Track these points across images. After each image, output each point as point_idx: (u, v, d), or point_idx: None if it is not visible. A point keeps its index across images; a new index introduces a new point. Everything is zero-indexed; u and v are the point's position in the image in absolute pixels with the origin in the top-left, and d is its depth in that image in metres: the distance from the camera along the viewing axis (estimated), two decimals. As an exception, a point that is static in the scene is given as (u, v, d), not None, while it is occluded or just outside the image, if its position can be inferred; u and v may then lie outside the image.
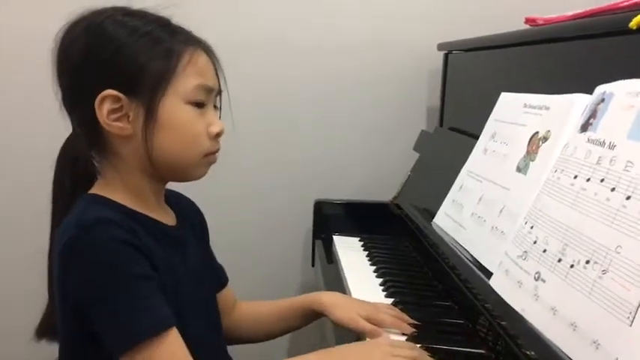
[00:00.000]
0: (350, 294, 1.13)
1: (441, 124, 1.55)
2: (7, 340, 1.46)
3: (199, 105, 0.82)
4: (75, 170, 0.85)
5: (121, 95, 0.78)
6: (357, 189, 1.67)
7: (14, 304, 1.51)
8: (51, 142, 0.87)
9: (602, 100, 0.72)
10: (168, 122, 0.79)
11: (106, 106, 0.78)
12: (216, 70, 0.85)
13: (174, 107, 0.80)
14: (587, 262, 0.63)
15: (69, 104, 0.82)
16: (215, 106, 0.87)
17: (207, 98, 0.83)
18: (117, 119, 0.79)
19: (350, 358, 0.82)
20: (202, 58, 0.82)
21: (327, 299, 0.99)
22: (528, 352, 0.74)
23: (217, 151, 0.86)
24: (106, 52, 0.78)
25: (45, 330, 0.88)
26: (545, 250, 0.72)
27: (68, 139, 0.86)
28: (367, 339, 0.90)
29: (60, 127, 0.85)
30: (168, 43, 0.80)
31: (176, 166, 0.83)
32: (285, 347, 1.65)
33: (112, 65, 0.78)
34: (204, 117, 0.83)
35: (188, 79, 0.80)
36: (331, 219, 1.54)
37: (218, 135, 0.85)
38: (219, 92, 0.87)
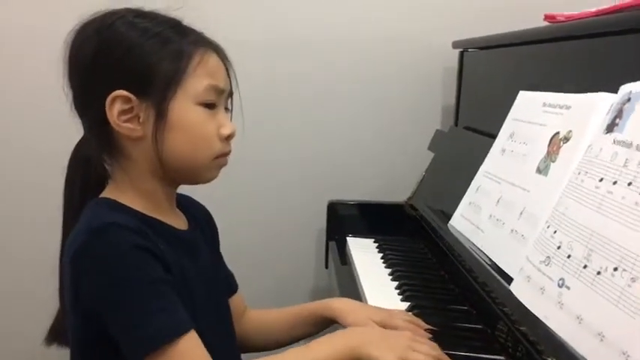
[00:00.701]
0: (364, 297, 1.11)
1: (456, 124, 1.53)
2: (16, 344, 1.46)
3: (210, 106, 0.81)
4: (86, 174, 0.84)
5: (131, 96, 0.77)
6: (371, 189, 1.64)
7: (24, 309, 1.51)
8: (61, 145, 0.86)
9: (629, 100, 0.69)
10: (179, 123, 0.79)
11: (117, 106, 0.77)
12: (227, 71, 0.84)
13: (185, 108, 0.79)
14: (615, 269, 0.61)
15: (80, 106, 0.81)
16: (226, 108, 0.86)
17: (218, 99, 0.82)
18: (127, 120, 0.78)
19: (374, 341, 0.80)
20: (213, 59, 0.82)
21: (339, 305, 0.98)
22: (550, 360, 0.72)
23: (229, 153, 0.84)
24: (117, 52, 0.77)
25: (55, 335, 0.88)
26: (569, 256, 0.69)
27: (80, 142, 0.86)
28: None
29: (71, 130, 0.84)
30: (179, 44, 0.79)
31: (187, 168, 0.82)
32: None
33: (123, 66, 0.77)
34: (215, 118, 0.82)
35: (199, 79, 0.79)
36: (345, 220, 1.52)
37: (229, 137, 0.83)
38: (231, 94, 0.86)
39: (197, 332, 0.75)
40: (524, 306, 0.76)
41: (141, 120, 0.78)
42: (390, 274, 1.21)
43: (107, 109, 0.77)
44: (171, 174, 0.82)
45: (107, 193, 0.83)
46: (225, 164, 0.85)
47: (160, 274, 0.74)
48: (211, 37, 0.84)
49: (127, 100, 0.77)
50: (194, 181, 0.85)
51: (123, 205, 0.80)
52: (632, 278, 0.58)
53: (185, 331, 0.73)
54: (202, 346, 0.74)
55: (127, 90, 0.77)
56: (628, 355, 0.56)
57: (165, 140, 0.78)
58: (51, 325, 0.88)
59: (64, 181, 0.86)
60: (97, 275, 0.72)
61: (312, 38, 1.61)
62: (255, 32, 1.58)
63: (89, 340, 0.76)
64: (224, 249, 1.02)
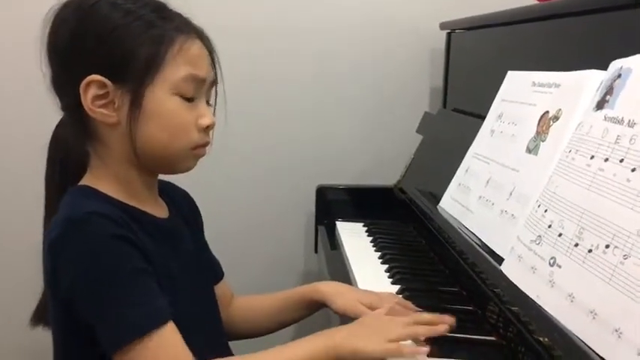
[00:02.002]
0: (355, 281, 1.10)
1: (445, 106, 1.52)
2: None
3: (188, 99, 0.78)
4: (65, 156, 0.83)
5: (107, 81, 0.75)
6: (359, 173, 1.64)
7: (10, 292, 1.49)
8: (42, 130, 0.84)
9: (619, 76, 0.69)
10: (155, 111, 0.76)
11: (91, 91, 0.75)
12: (213, 60, 0.82)
13: (162, 96, 0.77)
14: (607, 246, 0.60)
15: (56, 86, 0.79)
16: (207, 102, 0.83)
17: (199, 89, 0.80)
18: (102, 106, 0.76)
19: (356, 333, 0.79)
20: (195, 47, 0.79)
21: (328, 288, 0.97)
22: (542, 339, 0.72)
23: (207, 144, 0.82)
24: (95, 35, 0.75)
25: (41, 316, 0.87)
26: (560, 235, 0.69)
27: (59, 123, 0.84)
28: None
29: (52, 113, 0.82)
30: (161, 28, 0.77)
31: (162, 157, 0.80)
32: (289, 339, 1.63)
33: (100, 49, 0.75)
34: (194, 108, 0.80)
35: (178, 67, 0.77)
36: (334, 204, 1.51)
37: (208, 128, 0.81)
38: (214, 83, 0.83)
39: (181, 321, 0.74)
40: (515, 286, 0.76)
41: (116, 106, 0.76)
42: (379, 258, 1.21)
43: (81, 93, 0.75)
44: (147, 162, 0.80)
45: (86, 181, 0.81)
46: (203, 155, 0.83)
47: (138, 264, 0.73)
48: (195, 21, 0.81)
49: (102, 85, 0.75)
50: (170, 170, 0.84)
51: (101, 193, 0.79)
52: (625, 255, 0.58)
53: (162, 322, 0.72)
54: (180, 337, 0.73)
55: (103, 74, 0.75)
56: (620, 332, 0.56)
57: (140, 128, 0.76)
58: (36, 307, 0.87)
59: (46, 163, 0.84)
60: (75, 265, 0.71)
61: (299, 23, 1.59)
62: (241, 17, 1.55)
63: (70, 328, 0.75)
64: (212, 235, 1.01)
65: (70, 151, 0.82)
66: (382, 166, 1.60)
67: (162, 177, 0.89)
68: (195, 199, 0.99)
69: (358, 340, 0.77)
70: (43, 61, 0.79)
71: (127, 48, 0.75)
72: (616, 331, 0.56)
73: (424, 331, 0.81)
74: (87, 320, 0.71)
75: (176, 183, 0.95)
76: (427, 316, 0.84)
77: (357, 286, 1.07)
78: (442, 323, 0.82)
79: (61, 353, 0.79)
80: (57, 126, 0.84)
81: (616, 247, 0.59)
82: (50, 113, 0.82)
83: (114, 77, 0.75)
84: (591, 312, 0.60)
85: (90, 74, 0.74)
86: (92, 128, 0.79)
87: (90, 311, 0.71)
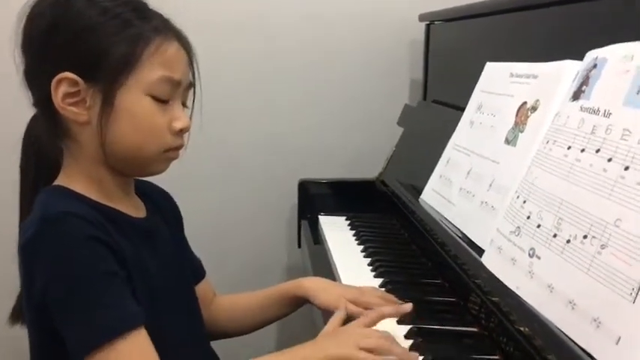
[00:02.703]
0: (338, 275, 1.10)
1: (425, 98, 1.52)
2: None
3: (162, 101, 0.77)
4: (39, 153, 0.82)
5: (78, 79, 0.74)
6: (341, 167, 1.63)
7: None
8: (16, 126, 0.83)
9: (595, 66, 0.69)
10: (126, 113, 0.75)
11: (62, 88, 0.74)
12: (191, 62, 0.80)
13: (134, 97, 0.75)
14: (585, 236, 0.61)
15: (28, 80, 0.78)
16: (184, 104, 0.82)
17: (174, 91, 0.78)
18: (72, 104, 0.75)
19: (320, 349, 0.77)
20: (172, 49, 0.77)
21: (310, 284, 0.97)
22: (522, 329, 0.72)
23: (180, 147, 0.81)
24: (70, 31, 0.74)
25: (19, 315, 0.85)
26: (539, 226, 0.69)
27: (32, 118, 0.82)
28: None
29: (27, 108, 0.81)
30: (137, 28, 0.75)
31: (132, 159, 0.78)
32: (274, 337, 1.63)
33: (74, 46, 0.74)
34: (168, 111, 0.78)
35: (152, 69, 0.75)
36: (316, 198, 1.50)
37: (182, 131, 0.80)
38: (191, 86, 0.82)
39: (160, 321, 0.73)
40: (495, 277, 0.76)
41: (87, 105, 0.75)
42: (362, 251, 1.21)
43: (52, 90, 0.74)
44: (116, 163, 0.78)
45: (60, 180, 0.80)
46: (175, 158, 0.81)
47: (112, 267, 0.72)
48: (174, 16, 0.80)
49: (74, 83, 0.74)
50: (141, 172, 0.83)
51: (76, 193, 0.77)
52: (602, 245, 0.58)
53: (134, 327, 0.70)
54: (150, 343, 0.72)
55: (75, 72, 0.73)
56: (599, 322, 0.56)
57: (110, 128, 0.75)
58: (14, 306, 0.85)
59: (20, 159, 0.83)
60: (48, 266, 0.70)
61: (275, 15, 1.57)
62: (220, 11, 1.54)
63: (45, 328, 0.74)
64: (193, 232, 1.00)
65: (43, 146, 0.81)
66: (364, 160, 1.59)
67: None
68: (174, 196, 0.98)
69: (329, 347, 0.77)
70: (17, 54, 0.77)
71: (100, 46, 0.74)
72: (594, 320, 0.56)
73: (398, 351, 0.77)
74: (58, 322, 0.70)
75: (155, 179, 0.94)
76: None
77: (340, 279, 1.07)
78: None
79: (37, 354, 0.78)
80: (31, 120, 0.82)
81: (593, 237, 0.59)
82: (25, 108, 0.81)
83: (86, 75, 0.74)
84: (570, 302, 0.60)
85: (62, 71, 0.73)
86: (64, 125, 0.77)
87: (60, 313, 0.70)
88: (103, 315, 0.69)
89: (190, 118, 0.82)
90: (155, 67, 0.75)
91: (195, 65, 0.81)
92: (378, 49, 1.62)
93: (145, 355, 0.71)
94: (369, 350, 0.75)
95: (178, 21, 0.81)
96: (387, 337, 0.80)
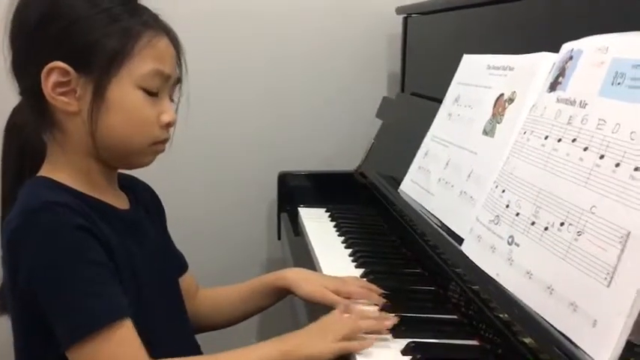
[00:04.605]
0: (319, 266, 1.11)
1: (403, 90, 1.53)
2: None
3: (152, 94, 0.78)
4: (23, 145, 0.81)
5: (69, 69, 0.74)
6: (321, 159, 1.64)
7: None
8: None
9: (571, 58, 0.71)
10: (117, 104, 0.76)
11: (53, 78, 0.74)
12: (179, 58, 0.82)
13: (125, 90, 0.76)
14: (562, 224, 0.62)
15: (17, 70, 0.78)
16: (171, 98, 0.83)
17: (163, 85, 0.80)
18: (63, 94, 0.75)
19: (308, 338, 0.79)
20: (162, 43, 0.79)
21: (292, 275, 0.97)
22: (502, 316, 0.74)
23: (166, 140, 0.82)
24: (61, 21, 0.74)
25: (3, 305, 0.83)
26: (517, 214, 0.71)
27: (16, 107, 0.82)
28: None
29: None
30: (128, 22, 0.76)
31: (120, 150, 0.79)
32: (256, 328, 1.63)
33: (65, 37, 0.74)
34: (157, 104, 0.79)
35: (144, 62, 0.76)
36: (296, 191, 1.51)
37: (169, 125, 0.81)
38: (178, 82, 0.83)
39: (145, 313, 0.73)
40: (475, 266, 0.77)
41: (77, 95, 0.75)
42: (343, 242, 1.22)
43: (42, 78, 0.74)
44: (104, 155, 0.79)
45: (44, 172, 0.79)
46: (161, 151, 0.83)
47: (99, 258, 0.72)
48: (155, 8, 0.80)
49: (65, 72, 0.74)
50: (127, 164, 0.83)
51: (61, 184, 0.77)
52: (579, 232, 0.60)
53: (121, 317, 0.71)
54: (136, 335, 0.72)
55: (66, 62, 0.74)
56: (576, 306, 0.58)
57: (100, 120, 0.76)
58: None
59: (2, 149, 0.82)
60: (34, 256, 0.70)
61: (255, 7, 1.57)
62: (199, 3, 1.53)
63: (30, 320, 0.74)
64: (174, 225, 1.00)
65: (27, 138, 0.80)
66: (343, 152, 1.60)
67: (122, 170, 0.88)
68: (154, 189, 0.98)
69: (309, 345, 0.78)
70: (6, 43, 0.77)
71: (92, 38, 0.74)
72: (571, 304, 0.58)
73: (369, 324, 0.82)
74: (45, 312, 0.70)
75: (135, 172, 0.94)
76: (371, 310, 0.86)
77: (321, 271, 1.08)
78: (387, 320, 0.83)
79: (21, 345, 0.77)
80: (13, 111, 0.82)
81: (570, 224, 0.61)
82: (6, 99, 0.80)
83: (77, 66, 0.74)
84: (548, 287, 0.62)
85: (53, 60, 0.73)
86: (50, 115, 0.77)
87: (47, 303, 0.70)
88: (90, 305, 0.70)
89: (175, 113, 0.83)
90: (147, 60, 0.77)
91: (183, 62, 0.82)
92: (356, 42, 1.63)
93: (131, 346, 0.71)
94: (347, 338, 0.78)
95: (163, 15, 0.82)
96: (355, 315, 0.83)
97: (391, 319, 0.83)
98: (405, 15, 1.51)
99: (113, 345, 0.69)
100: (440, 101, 1.11)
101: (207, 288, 1.04)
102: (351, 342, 0.78)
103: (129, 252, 0.78)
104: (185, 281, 0.97)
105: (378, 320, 0.83)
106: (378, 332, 0.81)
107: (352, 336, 0.79)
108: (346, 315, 0.84)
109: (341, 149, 1.63)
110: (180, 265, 0.99)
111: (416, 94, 1.40)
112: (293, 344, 0.79)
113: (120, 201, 0.84)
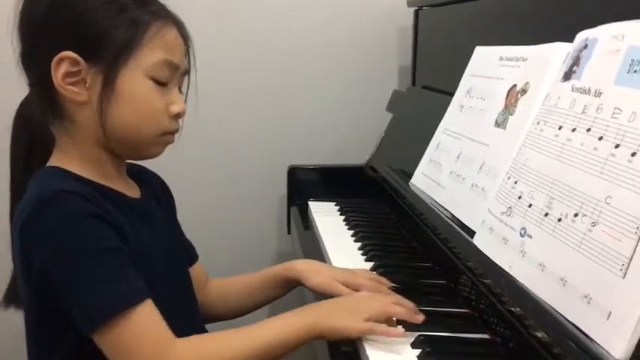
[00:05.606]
0: (329, 260, 1.10)
1: (414, 83, 1.52)
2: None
3: (161, 84, 0.78)
4: (31, 136, 0.81)
5: (79, 59, 0.74)
6: (331, 153, 1.63)
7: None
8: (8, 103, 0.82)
9: (585, 47, 0.69)
10: (126, 94, 0.76)
11: (63, 68, 0.74)
12: (187, 48, 0.82)
13: (135, 79, 0.76)
14: (576, 214, 0.61)
15: (26, 61, 0.78)
16: (180, 90, 0.83)
17: (172, 76, 0.80)
18: (72, 83, 0.75)
19: (334, 312, 0.78)
20: (171, 33, 0.79)
21: (302, 266, 0.97)
22: (513, 309, 0.73)
23: (176, 131, 0.82)
24: (71, 11, 0.75)
25: (13, 297, 0.84)
26: (530, 205, 0.70)
27: (25, 99, 0.82)
28: None
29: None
30: (137, 12, 0.77)
31: (130, 140, 0.79)
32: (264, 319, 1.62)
33: (75, 26, 0.75)
34: (166, 95, 0.79)
35: (153, 52, 0.77)
36: (306, 184, 1.50)
37: (178, 115, 0.81)
38: (187, 72, 0.83)
39: (156, 302, 0.73)
40: (486, 258, 0.76)
41: (87, 85, 0.75)
42: (353, 236, 1.21)
43: (52, 69, 0.74)
44: (114, 145, 0.79)
45: (54, 161, 0.79)
46: (171, 142, 0.83)
47: (113, 243, 0.72)
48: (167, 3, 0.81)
49: (75, 62, 0.74)
50: (137, 155, 0.83)
51: (71, 173, 0.77)
52: (593, 223, 0.59)
53: (140, 300, 0.71)
54: (159, 314, 0.72)
55: (76, 52, 0.74)
56: (590, 298, 0.57)
57: (110, 109, 0.76)
58: (7, 287, 0.85)
59: (10, 142, 0.83)
60: (48, 244, 0.70)
61: (266, 4, 1.57)
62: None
63: (43, 311, 0.74)
64: (185, 218, 1.00)
65: (35, 129, 0.81)
66: (353, 145, 1.59)
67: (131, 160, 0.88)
68: (167, 183, 0.98)
69: (336, 318, 0.77)
70: (14, 35, 0.77)
71: (102, 28, 0.75)
72: (585, 297, 0.57)
73: (401, 311, 0.80)
74: (62, 302, 0.70)
75: (147, 164, 0.94)
76: (407, 301, 0.84)
77: (331, 264, 1.07)
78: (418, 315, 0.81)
79: (33, 337, 0.78)
80: (21, 104, 0.82)
81: (584, 215, 0.60)
82: (14, 92, 0.80)
83: (87, 56, 0.74)
84: (561, 279, 0.61)
85: (63, 50, 0.73)
86: (60, 106, 0.77)
87: (65, 292, 0.70)
88: (110, 289, 0.70)
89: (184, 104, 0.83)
90: (156, 50, 0.77)
91: (191, 52, 0.83)
92: (367, 35, 1.62)
93: (157, 327, 0.71)
94: (375, 320, 0.76)
95: (175, 8, 0.82)
96: (389, 298, 0.81)
97: (422, 315, 0.80)
98: (417, 7, 1.50)
99: (139, 327, 0.70)
100: (451, 94, 1.10)
101: (216, 278, 1.04)
102: (380, 325, 0.77)
103: (141, 240, 0.79)
104: (195, 271, 0.97)
105: (409, 311, 0.80)
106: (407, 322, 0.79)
107: (381, 319, 0.77)
108: (379, 296, 0.82)
109: (351, 143, 1.62)
110: (190, 255, 0.99)
111: (427, 88, 1.39)
112: (317, 315, 0.77)
113: (131, 190, 0.85)
